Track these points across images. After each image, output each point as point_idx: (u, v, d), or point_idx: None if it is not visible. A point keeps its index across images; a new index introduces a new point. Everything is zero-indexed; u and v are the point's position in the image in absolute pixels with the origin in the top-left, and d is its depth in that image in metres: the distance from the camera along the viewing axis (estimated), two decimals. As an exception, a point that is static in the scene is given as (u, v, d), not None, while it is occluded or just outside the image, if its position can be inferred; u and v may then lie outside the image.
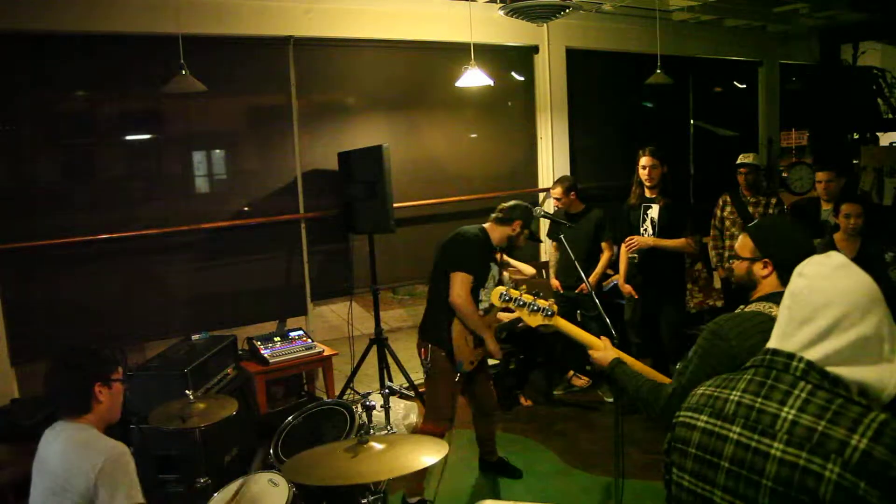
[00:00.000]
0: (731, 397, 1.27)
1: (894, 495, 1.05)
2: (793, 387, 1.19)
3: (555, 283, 4.99)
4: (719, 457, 1.24)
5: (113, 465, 1.96)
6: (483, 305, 3.42)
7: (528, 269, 4.93)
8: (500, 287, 2.51)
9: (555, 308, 2.36)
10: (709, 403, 1.30)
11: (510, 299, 2.36)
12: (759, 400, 1.22)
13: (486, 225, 3.48)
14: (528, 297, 2.35)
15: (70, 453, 2.00)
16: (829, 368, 1.17)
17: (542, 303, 2.32)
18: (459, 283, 3.27)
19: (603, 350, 2.28)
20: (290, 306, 4.93)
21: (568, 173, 5.86)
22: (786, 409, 1.18)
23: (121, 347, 4.17)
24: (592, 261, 4.78)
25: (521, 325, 4.01)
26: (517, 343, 4.84)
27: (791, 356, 1.21)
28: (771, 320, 1.84)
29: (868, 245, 3.89)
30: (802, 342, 1.21)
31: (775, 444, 1.16)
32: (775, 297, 1.91)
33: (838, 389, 1.15)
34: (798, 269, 1.26)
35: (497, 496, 3.60)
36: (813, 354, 1.19)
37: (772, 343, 1.28)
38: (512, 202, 3.52)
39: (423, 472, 3.42)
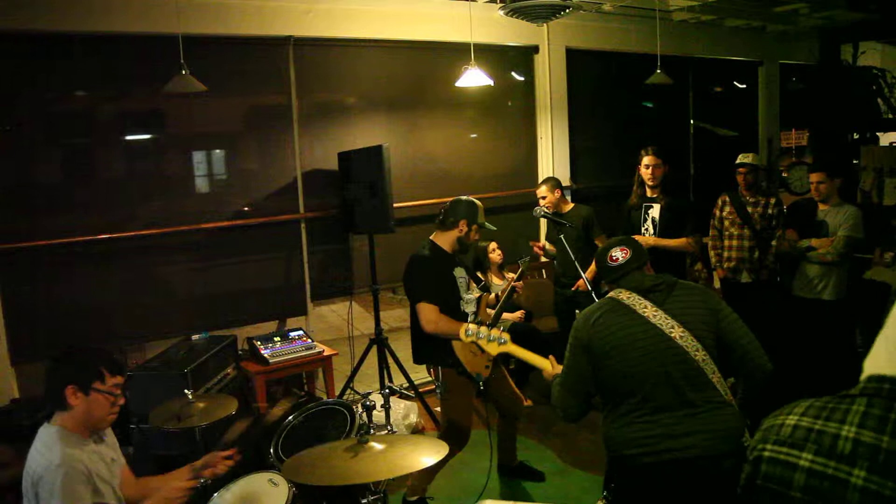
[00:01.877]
0: (844, 433, 1.09)
1: None
2: None
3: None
4: None
5: (50, 478, 1.95)
6: (469, 308, 3.39)
7: (512, 316, 4.94)
8: (464, 324, 2.67)
9: (506, 336, 2.57)
10: (811, 438, 1.12)
11: (472, 333, 2.60)
12: (885, 438, 1.05)
13: (432, 236, 3.40)
14: (483, 330, 2.58)
15: (36, 454, 2.05)
16: None
17: (494, 333, 2.58)
18: (426, 313, 3.21)
19: (549, 369, 2.50)
20: (290, 306, 4.93)
21: (568, 173, 5.88)
22: None
23: (121, 347, 4.18)
24: (585, 258, 4.78)
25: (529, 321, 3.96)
26: (517, 343, 4.83)
27: None
28: (616, 302, 2.18)
29: None
30: None
31: None
32: (624, 284, 2.26)
33: None
34: None
35: (497, 496, 3.59)
36: None
37: (884, 369, 1.12)
38: (449, 202, 3.40)
39: (430, 475, 3.42)
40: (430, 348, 3.37)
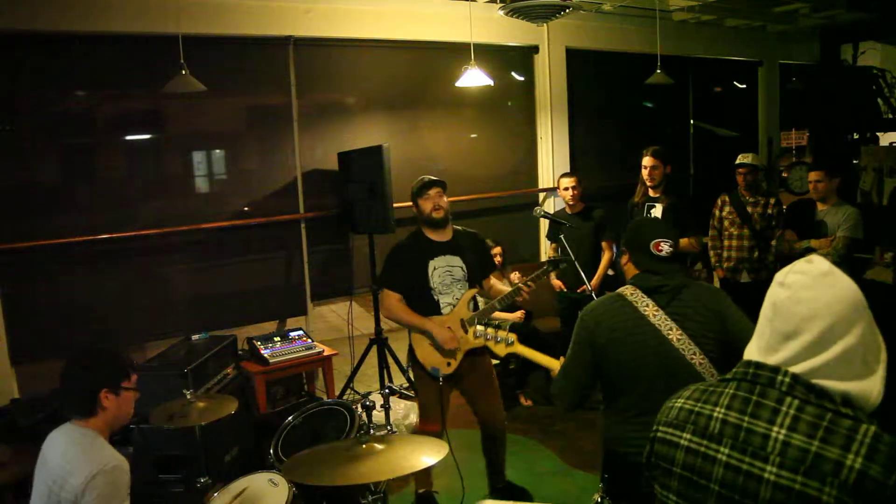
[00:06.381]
0: (715, 414, 1.21)
1: None
2: (780, 403, 1.14)
3: (557, 283, 4.98)
4: (708, 479, 1.18)
5: (105, 477, 1.94)
6: (446, 300, 3.31)
7: (511, 316, 4.86)
8: (474, 327, 2.64)
9: (513, 337, 2.54)
10: (690, 420, 1.25)
11: (480, 335, 2.59)
12: (746, 418, 1.17)
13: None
14: (491, 331, 2.57)
15: (70, 456, 2.00)
16: (815, 381, 1.12)
17: (501, 334, 2.56)
18: (382, 301, 3.35)
19: (558, 369, 2.44)
20: (290, 306, 4.93)
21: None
22: (775, 428, 1.13)
23: (121, 347, 4.18)
24: (595, 261, 4.78)
25: (532, 322, 3.84)
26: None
27: (776, 370, 1.16)
28: (622, 298, 2.16)
29: None
30: (787, 357, 1.15)
31: (768, 468, 1.11)
32: (634, 279, 2.23)
33: (824, 402, 1.11)
34: (779, 277, 1.20)
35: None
36: (799, 368, 1.14)
37: (753, 355, 1.22)
38: None
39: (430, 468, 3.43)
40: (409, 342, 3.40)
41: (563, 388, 2.27)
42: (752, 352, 1.23)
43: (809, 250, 4.42)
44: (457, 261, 3.36)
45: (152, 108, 4.42)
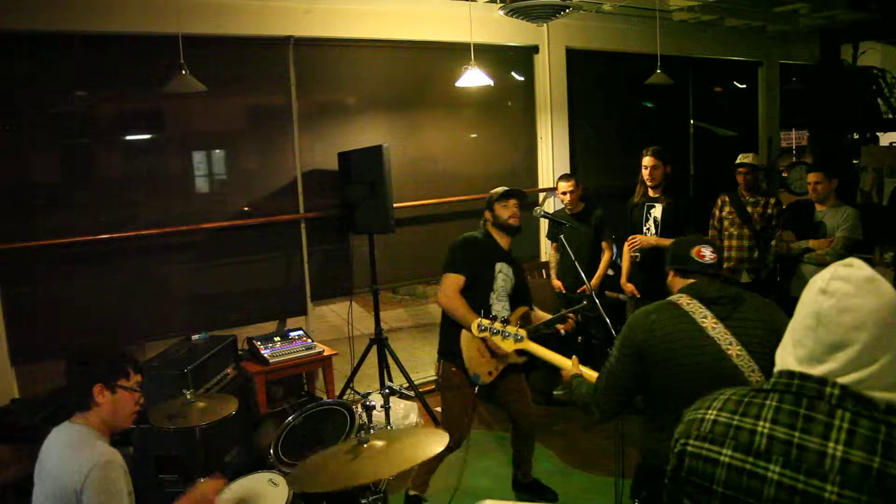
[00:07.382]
0: (760, 429, 1.14)
1: None
2: (831, 416, 1.08)
3: (557, 283, 4.99)
4: (758, 499, 1.11)
5: (100, 472, 1.93)
6: (496, 308, 3.27)
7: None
8: (477, 319, 2.62)
9: (523, 333, 2.51)
10: (730, 434, 1.17)
11: (485, 329, 2.57)
12: (797, 434, 1.10)
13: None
14: (498, 326, 2.54)
15: (64, 455, 1.99)
16: (863, 391, 1.08)
17: (511, 329, 2.52)
18: (445, 284, 3.21)
19: (570, 368, 2.40)
20: (290, 306, 4.93)
21: (568, 172, 5.86)
22: (831, 444, 1.06)
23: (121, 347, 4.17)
24: (595, 261, 4.78)
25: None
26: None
27: (823, 381, 1.10)
28: (677, 308, 2.06)
29: None
30: (834, 368, 1.10)
31: (828, 487, 1.05)
32: (687, 288, 2.13)
33: (875, 413, 1.06)
34: (821, 284, 1.13)
35: (497, 496, 3.59)
36: (846, 379, 1.09)
37: (793, 366, 1.15)
38: None
39: (432, 466, 3.38)
40: (448, 331, 3.30)
41: (603, 395, 2.14)
42: (790, 362, 1.16)
43: (808, 251, 4.42)
44: (512, 273, 3.34)
45: (152, 108, 4.42)
